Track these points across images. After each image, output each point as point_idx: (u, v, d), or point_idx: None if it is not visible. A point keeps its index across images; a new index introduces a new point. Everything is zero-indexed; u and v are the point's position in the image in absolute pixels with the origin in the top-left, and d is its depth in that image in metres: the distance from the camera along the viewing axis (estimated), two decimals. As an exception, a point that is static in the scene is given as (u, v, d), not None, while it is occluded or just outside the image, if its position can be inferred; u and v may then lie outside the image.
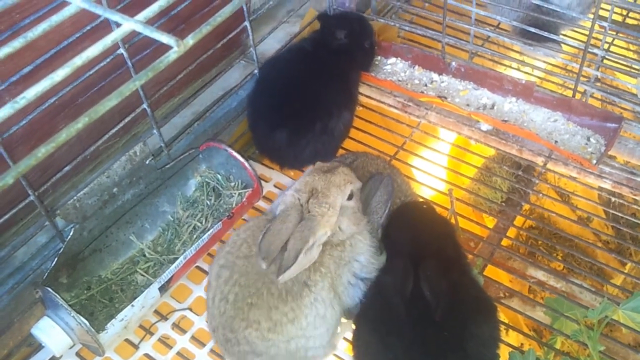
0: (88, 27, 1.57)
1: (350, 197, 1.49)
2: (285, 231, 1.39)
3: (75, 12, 0.69)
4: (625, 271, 2.12)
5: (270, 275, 1.39)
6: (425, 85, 2.19)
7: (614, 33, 2.12)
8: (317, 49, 2.03)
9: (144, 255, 1.72)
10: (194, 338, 1.64)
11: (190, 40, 0.66)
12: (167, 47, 0.65)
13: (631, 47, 2.43)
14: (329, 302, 1.43)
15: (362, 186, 1.58)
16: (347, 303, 1.50)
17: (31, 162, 0.58)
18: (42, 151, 0.58)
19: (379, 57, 2.29)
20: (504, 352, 1.48)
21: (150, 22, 0.67)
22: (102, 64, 1.61)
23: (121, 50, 1.57)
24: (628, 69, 2.09)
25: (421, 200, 1.84)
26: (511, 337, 2.02)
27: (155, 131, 1.77)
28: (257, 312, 1.38)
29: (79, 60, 0.64)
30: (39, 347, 1.59)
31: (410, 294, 1.35)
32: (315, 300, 1.41)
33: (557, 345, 1.65)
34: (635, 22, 2.56)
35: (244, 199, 1.78)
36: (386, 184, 1.57)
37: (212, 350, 1.61)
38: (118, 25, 0.68)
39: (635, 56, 2.39)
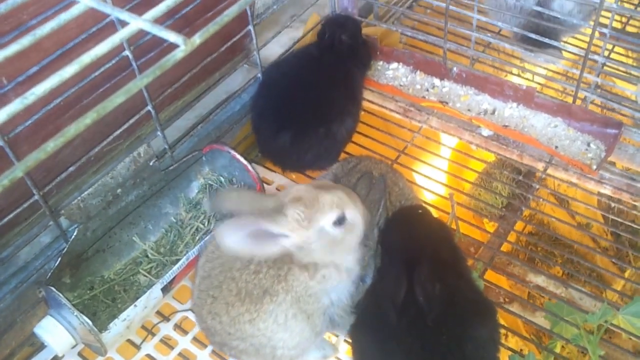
0: (94, 29, 1.59)
1: (338, 224, 1.33)
2: (247, 201, 1.31)
3: (84, 11, 0.71)
4: (625, 276, 2.13)
5: (233, 271, 1.37)
6: (427, 90, 2.20)
7: (615, 40, 2.13)
8: (323, 53, 2.04)
9: (147, 256, 1.73)
10: (195, 339, 1.65)
11: (197, 39, 0.68)
12: (172, 50, 0.66)
13: (630, 54, 2.44)
14: (292, 315, 1.36)
15: (353, 186, 1.50)
16: (320, 328, 1.44)
17: (40, 156, 0.59)
18: (51, 145, 0.59)
19: (381, 62, 2.31)
20: (504, 356, 1.48)
21: (156, 22, 0.69)
22: (107, 65, 1.63)
23: (127, 52, 1.59)
24: (628, 75, 2.10)
25: (422, 204, 1.85)
26: (511, 342, 2.02)
27: (159, 133, 1.79)
28: (217, 305, 1.38)
29: (87, 58, 0.66)
30: (41, 346, 1.60)
31: (407, 299, 1.35)
32: (275, 310, 1.35)
33: (557, 350, 1.65)
34: (635, 30, 2.57)
35: (246, 201, 1.79)
36: (378, 182, 1.55)
37: (213, 352, 1.62)
38: (124, 25, 0.69)
39: (634, 63, 2.41)
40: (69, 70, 0.64)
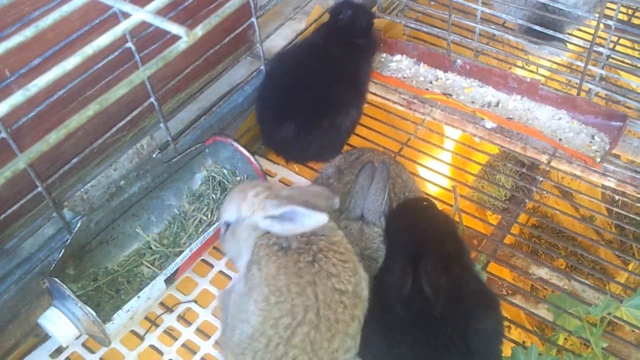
0: (96, 21, 1.59)
1: None
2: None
3: (86, 2, 0.71)
4: (629, 269, 2.12)
5: (308, 314, 1.25)
6: (430, 83, 2.20)
7: (620, 32, 2.12)
8: (327, 43, 2.03)
9: (150, 248, 1.74)
10: (199, 330, 1.66)
11: (199, 31, 0.67)
12: (174, 42, 0.66)
13: (636, 46, 2.43)
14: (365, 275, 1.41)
15: (355, 177, 1.60)
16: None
17: (42, 148, 0.59)
18: (54, 137, 0.59)
19: (384, 54, 2.30)
20: (506, 348, 1.48)
21: (158, 14, 0.69)
22: (110, 57, 1.63)
23: (129, 44, 1.59)
24: (633, 68, 2.09)
25: (425, 196, 1.85)
26: (513, 335, 2.02)
27: (162, 125, 1.78)
28: (336, 341, 1.29)
29: (90, 50, 0.65)
30: (45, 337, 1.61)
31: (412, 290, 1.36)
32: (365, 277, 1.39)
33: (560, 342, 1.65)
34: (641, 22, 2.56)
35: (249, 193, 1.79)
36: (380, 171, 1.57)
37: (217, 342, 1.63)
38: (127, 16, 0.69)
39: (640, 55, 2.40)
40: (71, 62, 0.64)
